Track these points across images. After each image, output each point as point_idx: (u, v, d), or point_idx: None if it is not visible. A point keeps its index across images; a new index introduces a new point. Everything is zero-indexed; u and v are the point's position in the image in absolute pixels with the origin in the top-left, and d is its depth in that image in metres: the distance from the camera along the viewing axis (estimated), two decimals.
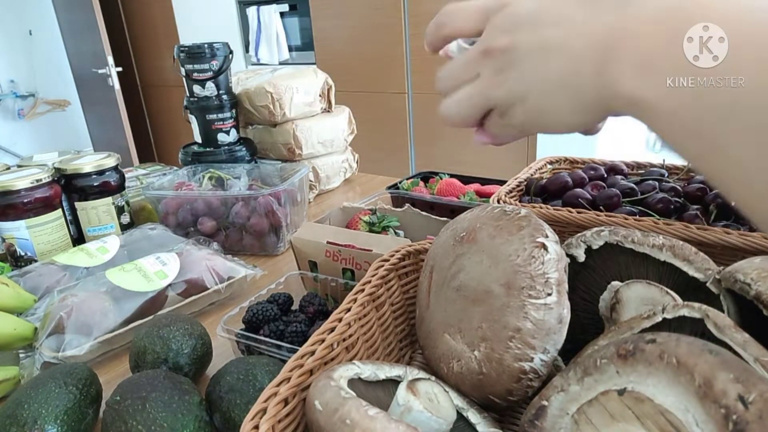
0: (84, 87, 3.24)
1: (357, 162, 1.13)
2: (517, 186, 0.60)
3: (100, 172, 0.75)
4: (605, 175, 0.60)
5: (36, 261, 0.68)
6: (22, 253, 0.69)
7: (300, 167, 0.84)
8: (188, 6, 2.92)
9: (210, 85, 0.92)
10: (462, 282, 0.36)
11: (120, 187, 0.78)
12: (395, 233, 0.67)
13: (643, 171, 0.63)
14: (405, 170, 2.33)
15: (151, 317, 0.54)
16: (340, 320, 0.36)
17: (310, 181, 1.01)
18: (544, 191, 0.59)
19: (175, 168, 1.04)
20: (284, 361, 0.33)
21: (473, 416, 0.33)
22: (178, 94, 1.05)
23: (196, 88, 0.92)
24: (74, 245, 0.73)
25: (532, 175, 0.62)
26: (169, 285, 0.59)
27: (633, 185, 0.55)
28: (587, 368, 0.27)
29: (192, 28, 2.95)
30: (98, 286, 0.56)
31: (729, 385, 0.21)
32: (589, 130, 0.28)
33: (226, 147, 0.96)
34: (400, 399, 0.29)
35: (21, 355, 0.52)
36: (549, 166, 0.67)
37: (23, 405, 0.38)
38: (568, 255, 0.37)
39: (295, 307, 0.54)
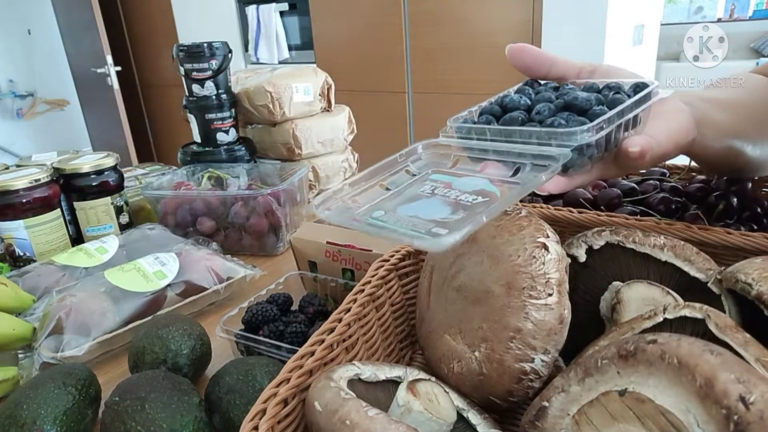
0: (83, 86, 3.24)
1: (357, 162, 1.13)
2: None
3: (99, 172, 0.75)
4: None
5: (35, 261, 0.68)
6: (21, 253, 0.69)
7: (299, 167, 0.84)
8: (187, 5, 2.92)
9: (209, 84, 0.91)
10: (462, 282, 0.35)
11: (119, 187, 0.78)
12: None
13: (644, 171, 0.63)
14: None
15: (150, 318, 0.54)
16: (339, 321, 0.36)
17: (310, 180, 1.00)
18: None
19: (174, 167, 1.03)
20: (284, 362, 0.33)
21: (474, 417, 0.33)
22: (177, 93, 1.05)
23: (195, 88, 0.92)
24: (73, 245, 0.73)
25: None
26: (168, 285, 0.59)
27: (634, 185, 0.55)
28: (588, 369, 0.27)
29: (191, 28, 2.95)
30: (97, 286, 0.56)
31: (730, 385, 0.21)
32: None
33: (226, 146, 0.95)
34: (400, 400, 0.29)
35: (20, 356, 0.51)
36: None
37: (22, 405, 0.37)
38: (569, 255, 0.36)
39: (294, 307, 0.54)
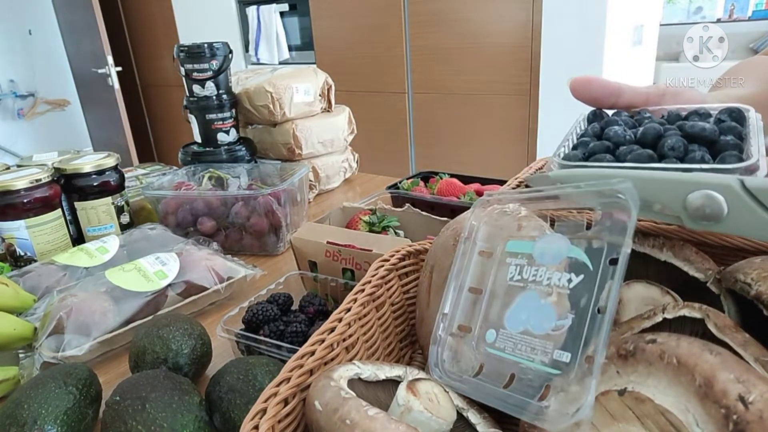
0: (84, 87, 3.25)
1: (357, 162, 1.13)
2: (518, 186, 0.60)
3: (100, 172, 0.75)
4: None
5: (36, 261, 0.68)
6: (22, 253, 0.69)
7: (300, 167, 0.84)
8: (187, 6, 2.92)
9: (210, 84, 0.92)
10: (462, 282, 0.35)
11: (119, 187, 0.78)
12: (395, 233, 0.67)
13: None
14: (405, 170, 2.33)
15: (150, 317, 0.54)
16: (340, 320, 0.36)
17: (310, 180, 1.01)
18: None
19: (175, 168, 1.04)
20: (284, 362, 0.33)
21: (473, 416, 0.33)
22: (178, 93, 1.05)
23: (196, 88, 0.92)
24: (74, 245, 0.73)
25: (532, 174, 0.62)
26: (169, 285, 0.59)
27: None
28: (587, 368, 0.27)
29: (191, 28, 2.95)
30: (98, 286, 0.56)
31: (729, 385, 0.21)
32: None
33: (226, 147, 0.95)
34: (400, 399, 0.29)
35: (20, 355, 0.52)
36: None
37: (23, 405, 0.38)
38: None
39: (294, 307, 0.54)
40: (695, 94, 0.36)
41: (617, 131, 0.31)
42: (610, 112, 0.36)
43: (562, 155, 0.33)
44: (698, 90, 0.37)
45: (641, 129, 0.31)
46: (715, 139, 0.28)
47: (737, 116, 0.30)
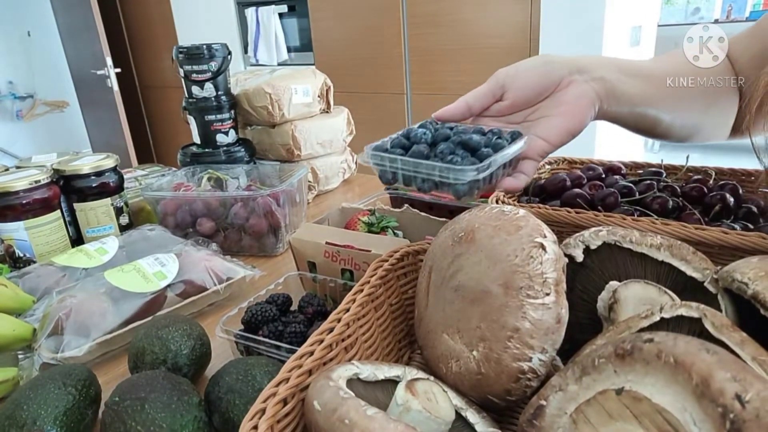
0: (83, 88, 3.25)
1: (356, 162, 1.13)
2: None
3: (99, 173, 0.75)
4: (603, 175, 0.60)
5: (35, 262, 0.68)
6: (21, 254, 0.69)
7: (299, 168, 0.84)
8: (187, 7, 2.92)
9: (209, 86, 0.92)
10: (460, 282, 0.36)
11: (119, 188, 0.78)
12: (394, 234, 0.67)
13: (641, 171, 0.63)
14: None
15: (150, 318, 0.54)
16: (338, 320, 0.36)
17: (309, 181, 1.01)
18: (542, 191, 0.59)
19: (174, 169, 1.04)
20: (283, 362, 0.33)
21: (472, 416, 0.33)
22: (177, 95, 1.05)
23: (195, 89, 0.92)
24: (73, 246, 0.73)
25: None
26: (168, 286, 0.59)
27: (631, 185, 0.55)
28: (585, 368, 0.27)
29: (190, 29, 2.95)
30: (97, 287, 0.56)
31: (726, 384, 0.21)
32: None
33: (225, 148, 0.95)
34: (398, 399, 0.29)
35: (20, 356, 0.51)
36: (547, 167, 0.67)
37: (22, 406, 0.38)
38: (566, 255, 0.37)
39: (293, 307, 0.54)
40: (531, 75, 0.42)
41: (417, 132, 0.41)
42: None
43: (374, 146, 0.42)
44: (555, 68, 0.42)
45: (437, 132, 0.41)
46: (479, 148, 0.38)
47: (516, 137, 0.40)
